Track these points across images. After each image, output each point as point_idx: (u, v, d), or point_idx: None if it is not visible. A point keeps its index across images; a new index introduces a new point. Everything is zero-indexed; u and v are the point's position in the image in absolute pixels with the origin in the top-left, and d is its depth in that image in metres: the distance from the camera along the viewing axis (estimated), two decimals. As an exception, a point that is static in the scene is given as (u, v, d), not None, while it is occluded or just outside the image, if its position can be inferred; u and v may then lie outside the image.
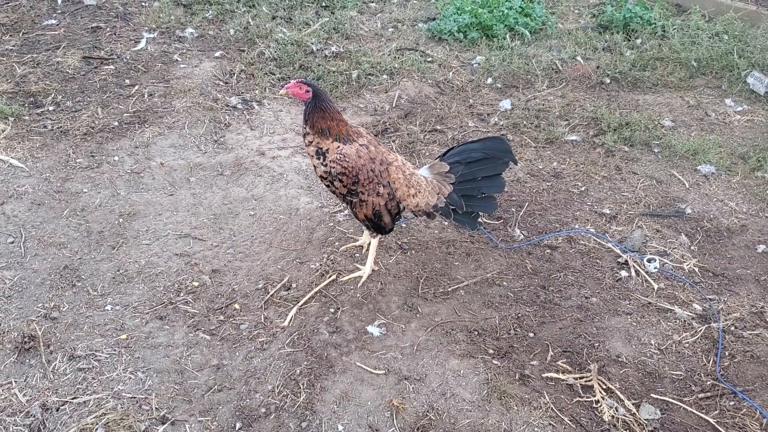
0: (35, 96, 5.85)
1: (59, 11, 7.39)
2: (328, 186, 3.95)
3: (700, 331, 4.03)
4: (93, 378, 3.53)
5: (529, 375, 3.71)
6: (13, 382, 3.47)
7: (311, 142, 3.82)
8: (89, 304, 3.97)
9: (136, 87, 6.07)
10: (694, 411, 3.56)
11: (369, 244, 4.44)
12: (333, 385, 3.58)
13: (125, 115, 5.68)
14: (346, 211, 4.80)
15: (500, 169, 4.11)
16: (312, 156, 3.87)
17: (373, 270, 4.29)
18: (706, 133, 5.89)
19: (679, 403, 3.60)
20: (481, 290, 4.26)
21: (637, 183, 5.26)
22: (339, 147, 3.78)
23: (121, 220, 4.61)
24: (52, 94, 5.88)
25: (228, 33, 7.07)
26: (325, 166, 3.81)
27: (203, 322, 3.91)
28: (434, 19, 7.54)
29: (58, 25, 7.08)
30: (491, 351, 3.84)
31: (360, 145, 3.83)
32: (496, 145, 4.11)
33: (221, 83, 6.24)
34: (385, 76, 6.48)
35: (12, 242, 4.36)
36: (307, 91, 3.75)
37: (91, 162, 5.13)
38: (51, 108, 5.72)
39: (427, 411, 3.48)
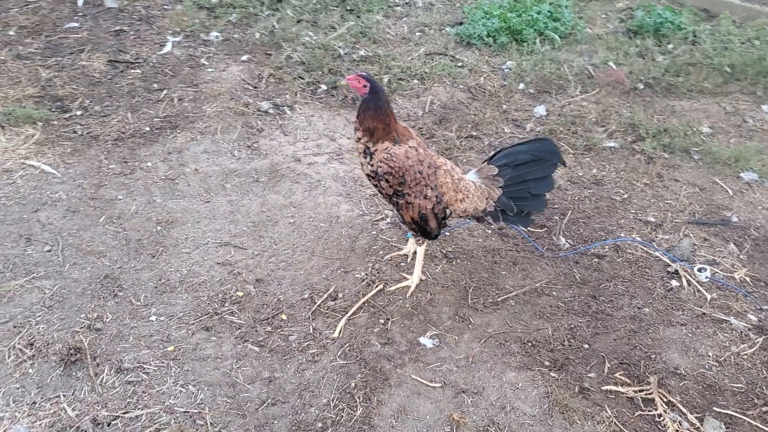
0: (62, 100, 5.74)
1: (80, 14, 7.28)
2: (375, 186, 3.86)
3: (758, 342, 3.94)
4: (143, 391, 3.42)
5: (588, 388, 3.61)
6: (62, 396, 3.36)
7: (360, 139, 3.74)
8: (133, 315, 3.86)
9: (165, 91, 5.96)
10: (759, 425, 3.47)
11: (414, 252, 4.35)
12: (389, 399, 3.48)
13: (156, 120, 5.58)
14: (388, 219, 4.70)
15: (549, 171, 4.01)
16: (360, 153, 3.78)
17: (420, 279, 4.19)
18: (745, 139, 5.80)
19: (743, 417, 3.51)
20: (531, 300, 4.16)
21: (680, 190, 5.16)
22: (387, 147, 3.68)
23: (159, 227, 4.51)
24: (80, 99, 5.77)
25: (253, 36, 6.97)
26: (372, 165, 3.73)
27: (251, 334, 3.81)
28: (462, 24, 7.44)
29: (80, 28, 6.97)
30: (547, 363, 3.74)
31: (409, 146, 3.73)
32: (545, 147, 4.02)
33: (250, 87, 6.14)
34: (415, 81, 6.38)
35: (49, 251, 4.25)
36: (365, 86, 3.66)
37: (124, 168, 5.02)
38: (79, 113, 5.61)
39: (488, 425, 3.38)
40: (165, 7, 7.53)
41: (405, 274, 4.25)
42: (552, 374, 3.68)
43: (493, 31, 7.04)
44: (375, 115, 3.67)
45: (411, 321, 3.95)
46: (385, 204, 4.78)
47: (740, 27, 7.38)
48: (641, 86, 6.52)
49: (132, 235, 4.43)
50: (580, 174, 5.31)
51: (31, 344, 3.62)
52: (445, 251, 4.50)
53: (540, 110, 6.03)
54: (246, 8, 7.46)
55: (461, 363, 3.71)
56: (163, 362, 3.59)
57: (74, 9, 7.35)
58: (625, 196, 5.10)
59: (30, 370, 3.49)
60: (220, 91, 5.99)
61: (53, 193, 4.72)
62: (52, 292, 3.96)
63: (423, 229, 3.94)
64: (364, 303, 4.04)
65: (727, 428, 3.46)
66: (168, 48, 6.66)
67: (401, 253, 4.42)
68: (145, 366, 3.56)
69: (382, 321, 3.94)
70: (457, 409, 3.45)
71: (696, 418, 3.48)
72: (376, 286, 4.16)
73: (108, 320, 3.81)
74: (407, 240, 4.45)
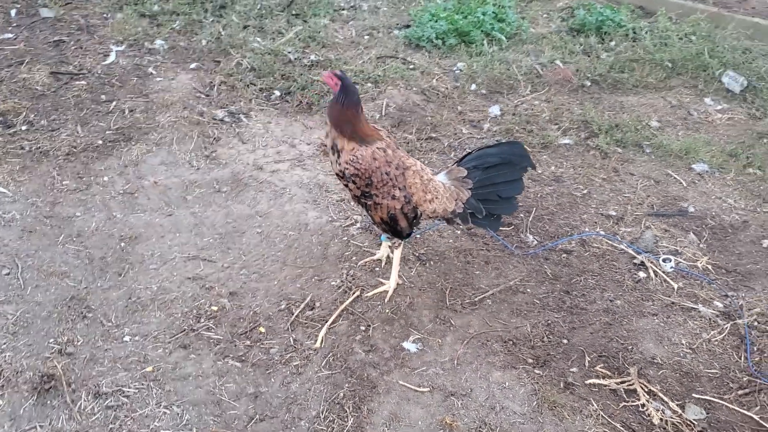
0: (5, 115, 5.48)
1: (14, 24, 6.98)
2: (345, 186, 3.83)
3: (726, 328, 4.07)
4: (125, 416, 3.29)
5: (572, 383, 3.66)
6: (38, 427, 3.20)
7: (328, 134, 3.73)
8: (105, 336, 3.71)
9: (114, 103, 5.76)
10: (737, 408, 3.58)
11: (388, 257, 4.33)
12: (379, 407, 3.44)
13: (108, 132, 5.38)
14: (358, 225, 4.66)
15: (518, 174, 4.04)
16: (329, 149, 3.77)
17: (397, 284, 4.17)
18: (691, 132, 6.00)
19: (720, 401, 3.61)
20: (507, 298, 4.19)
21: (637, 184, 5.30)
22: (354, 148, 3.66)
23: (122, 244, 4.35)
24: (24, 113, 5.52)
25: (200, 44, 6.81)
26: (339, 165, 3.70)
27: (230, 349, 3.71)
28: (409, 26, 7.46)
29: (15, 39, 6.68)
30: (530, 360, 3.78)
31: (377, 147, 3.71)
32: (514, 150, 4.05)
33: (203, 96, 6.00)
34: (369, 84, 6.36)
35: (8, 274, 4.04)
36: (337, 84, 3.63)
37: (79, 184, 4.83)
38: (24, 127, 5.37)
39: (480, 427, 3.38)
40: (104, 15, 7.30)
41: (381, 279, 4.22)
42: (536, 371, 3.71)
43: (441, 33, 7.08)
44: (340, 111, 3.64)
45: (392, 326, 3.92)
46: (354, 208, 4.74)
47: (677, 23, 7.64)
48: (588, 83, 6.67)
49: (95, 253, 4.26)
50: (540, 171, 5.39)
51: (-1, 374, 3.44)
52: (417, 254, 4.49)
53: (494, 110, 6.10)
54: (189, 15, 7.29)
55: (447, 366, 3.71)
56: (142, 384, 3.46)
57: (7, 20, 7.05)
58: (585, 191, 5.20)
59: (0, 402, 3.31)
60: (172, 101, 5.83)
61: (6, 212, 4.50)
62: (15, 317, 3.77)
63: (394, 229, 3.92)
64: (342, 311, 4.00)
65: (707, 413, 3.56)
66: (112, 58, 6.45)
67: (375, 258, 4.38)
68: (124, 389, 3.43)
69: (363, 328, 3.90)
70: (447, 412, 3.44)
71: (677, 405, 3.57)
72: (353, 293, 4.12)
73: (79, 343, 3.65)
74: (380, 244, 4.42)
